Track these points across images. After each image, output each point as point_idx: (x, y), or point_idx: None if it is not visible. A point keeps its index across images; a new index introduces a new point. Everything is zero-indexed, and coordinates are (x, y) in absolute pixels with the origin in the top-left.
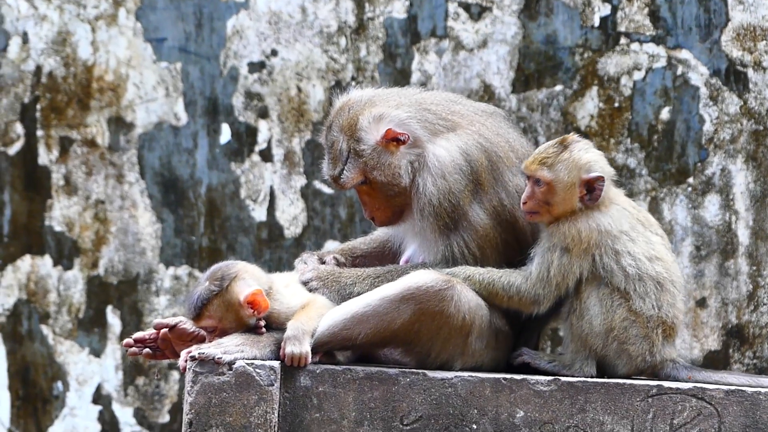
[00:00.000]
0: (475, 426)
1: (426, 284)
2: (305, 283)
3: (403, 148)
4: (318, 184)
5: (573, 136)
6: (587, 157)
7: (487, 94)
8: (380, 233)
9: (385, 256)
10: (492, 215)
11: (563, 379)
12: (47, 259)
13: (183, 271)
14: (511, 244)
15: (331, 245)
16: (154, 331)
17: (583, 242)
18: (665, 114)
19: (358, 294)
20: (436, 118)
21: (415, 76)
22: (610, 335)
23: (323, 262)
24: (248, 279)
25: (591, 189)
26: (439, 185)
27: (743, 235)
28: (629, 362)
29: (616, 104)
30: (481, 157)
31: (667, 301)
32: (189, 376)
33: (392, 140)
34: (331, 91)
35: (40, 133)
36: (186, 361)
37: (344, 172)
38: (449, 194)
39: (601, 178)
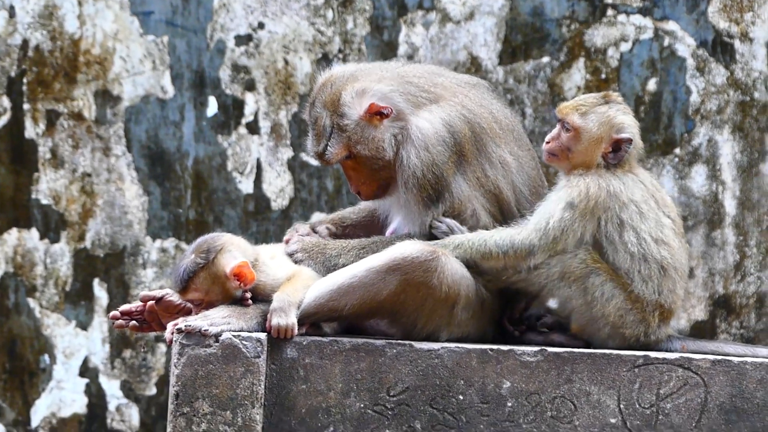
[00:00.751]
0: (461, 397)
1: (411, 255)
2: (290, 255)
3: (386, 121)
4: (305, 157)
5: (617, 95)
6: (623, 117)
7: (474, 66)
8: (369, 203)
9: (375, 226)
10: (475, 186)
11: (549, 349)
12: (34, 232)
13: (170, 243)
14: (494, 215)
15: (318, 217)
16: (141, 303)
17: (590, 199)
18: (652, 85)
19: (344, 266)
20: (418, 91)
21: (402, 49)
22: (603, 322)
23: (316, 232)
24: (234, 251)
25: (617, 149)
26: (422, 157)
27: (730, 206)
28: (622, 342)
29: (603, 76)
30: (464, 128)
31: (668, 287)
32: (175, 348)
33: (375, 114)
34: (317, 64)
35: (26, 106)
36: (172, 333)
37: (328, 147)
38: (433, 166)
39: (629, 140)
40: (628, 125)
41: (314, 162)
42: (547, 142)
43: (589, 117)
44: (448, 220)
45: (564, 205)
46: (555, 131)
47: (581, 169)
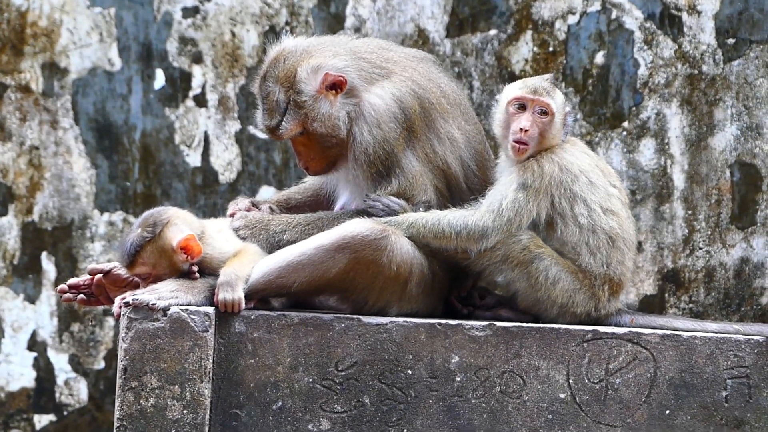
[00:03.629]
0: (410, 371)
1: (361, 233)
2: (235, 231)
3: (340, 97)
4: (253, 130)
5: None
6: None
7: (421, 38)
8: (313, 181)
9: (320, 205)
10: (424, 162)
11: (498, 324)
12: None
13: (117, 216)
14: (441, 191)
15: (266, 191)
16: (89, 277)
17: (544, 177)
18: (600, 58)
19: (288, 242)
20: (371, 67)
21: (350, 21)
22: (549, 303)
23: (258, 209)
24: (180, 224)
25: (564, 124)
26: (374, 134)
27: (678, 180)
28: (573, 318)
29: (551, 49)
30: (414, 104)
31: (616, 259)
32: (123, 322)
33: (331, 88)
34: (265, 36)
35: None
36: (120, 307)
37: (282, 123)
38: (384, 142)
39: (571, 113)
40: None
41: (263, 136)
42: (525, 130)
43: (557, 98)
44: (385, 199)
45: (516, 186)
46: (529, 118)
47: (543, 152)
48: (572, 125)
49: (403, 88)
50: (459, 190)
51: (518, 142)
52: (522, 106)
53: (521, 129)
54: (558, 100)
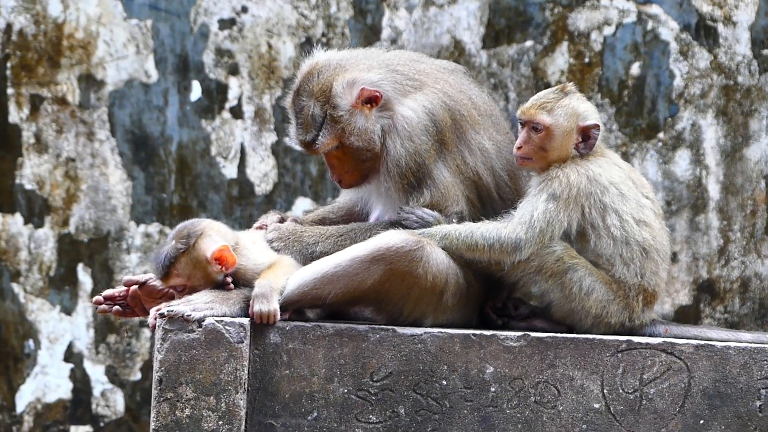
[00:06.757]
0: (444, 382)
1: (396, 245)
2: (269, 243)
3: (375, 111)
4: (289, 141)
5: (572, 85)
6: (585, 105)
7: (457, 50)
8: (344, 199)
9: (354, 221)
10: (455, 173)
11: (533, 334)
12: (18, 218)
13: (154, 228)
14: (473, 202)
15: (302, 202)
16: (124, 288)
17: (572, 188)
18: (635, 69)
19: (321, 253)
20: (404, 79)
21: (386, 33)
22: (584, 314)
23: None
24: (214, 235)
25: (586, 137)
26: (407, 147)
27: (714, 190)
28: (607, 329)
29: (587, 60)
30: (446, 116)
31: (650, 269)
32: (158, 333)
33: (367, 101)
34: (301, 48)
35: (10, 91)
36: (155, 318)
37: (319, 137)
38: (416, 155)
39: (596, 126)
40: (591, 112)
41: (298, 148)
42: (519, 148)
43: (557, 112)
44: (418, 211)
45: (546, 197)
46: (523, 135)
47: (556, 164)
48: (598, 136)
49: (435, 100)
50: (491, 200)
51: (516, 157)
52: (522, 123)
53: (515, 147)
54: (558, 113)
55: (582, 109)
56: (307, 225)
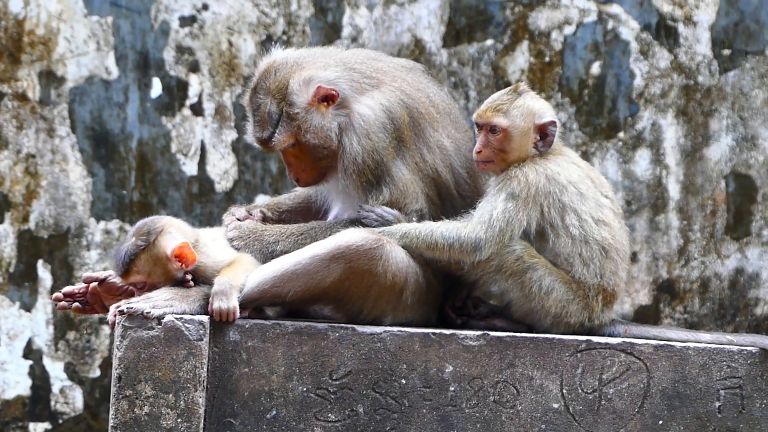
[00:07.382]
0: (404, 381)
1: (356, 243)
2: (229, 241)
3: (332, 109)
4: (248, 138)
5: (524, 85)
6: (539, 103)
7: (417, 48)
8: (304, 189)
9: (311, 211)
10: (414, 171)
11: (492, 333)
12: None
13: (114, 225)
14: (433, 199)
15: (262, 199)
16: (84, 285)
17: (531, 187)
18: (596, 69)
19: (281, 252)
20: (361, 77)
21: (346, 31)
22: (543, 313)
23: (251, 215)
24: (174, 233)
25: (544, 135)
26: (364, 144)
27: (674, 190)
28: (566, 329)
29: (547, 59)
30: (404, 113)
31: (610, 269)
32: (118, 330)
33: (323, 99)
34: (262, 46)
35: None
36: (115, 315)
37: (275, 135)
38: (373, 152)
39: (553, 123)
40: (546, 109)
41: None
42: (478, 152)
43: (513, 113)
44: (378, 209)
45: (505, 196)
46: (482, 139)
47: (516, 164)
48: (556, 132)
49: (392, 98)
50: (451, 197)
51: (477, 162)
52: (479, 127)
53: (475, 152)
54: (514, 114)
55: (537, 107)
56: (264, 216)
